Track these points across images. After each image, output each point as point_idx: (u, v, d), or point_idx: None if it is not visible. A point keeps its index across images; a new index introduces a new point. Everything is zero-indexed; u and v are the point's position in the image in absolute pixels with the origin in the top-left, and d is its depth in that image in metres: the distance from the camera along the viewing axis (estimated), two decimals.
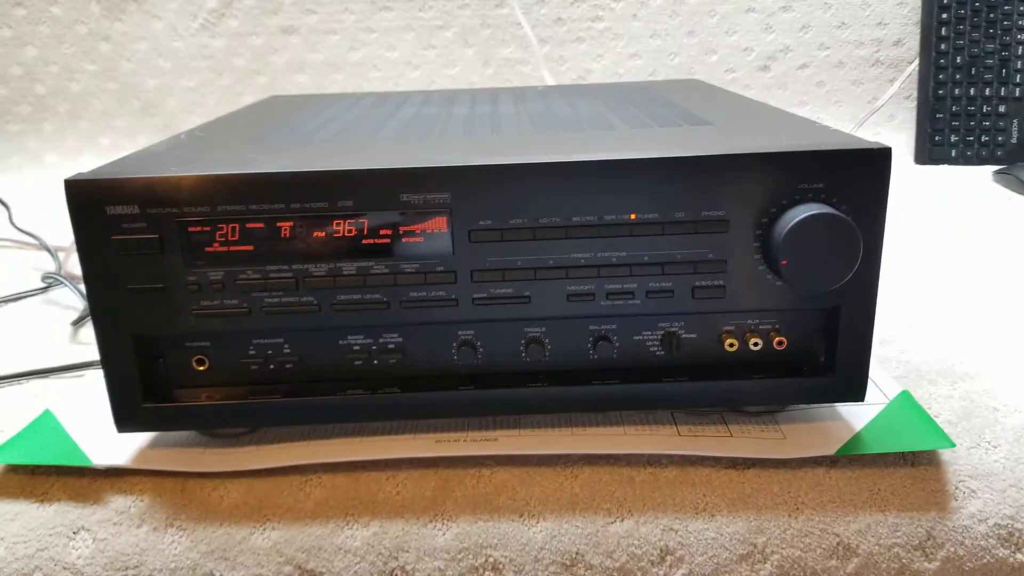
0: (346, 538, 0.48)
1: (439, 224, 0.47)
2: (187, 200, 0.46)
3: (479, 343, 0.51)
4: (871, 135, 0.48)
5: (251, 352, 0.50)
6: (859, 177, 0.46)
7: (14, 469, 0.52)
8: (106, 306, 0.48)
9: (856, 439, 0.51)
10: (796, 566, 0.47)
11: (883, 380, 0.57)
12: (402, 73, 1.27)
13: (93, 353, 0.51)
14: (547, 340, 0.51)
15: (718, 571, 0.47)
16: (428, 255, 0.48)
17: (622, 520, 0.48)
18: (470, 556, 0.48)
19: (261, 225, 0.47)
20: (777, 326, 0.50)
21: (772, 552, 0.47)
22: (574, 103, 0.72)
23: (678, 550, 0.47)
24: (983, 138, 1.21)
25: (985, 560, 0.47)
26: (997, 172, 1.13)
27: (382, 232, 0.47)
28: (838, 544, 0.47)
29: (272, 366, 0.51)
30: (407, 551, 0.48)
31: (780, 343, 0.50)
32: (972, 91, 1.20)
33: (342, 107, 0.76)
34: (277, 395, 0.51)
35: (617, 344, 0.51)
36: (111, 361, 0.49)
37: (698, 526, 0.48)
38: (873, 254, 0.47)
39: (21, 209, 1.04)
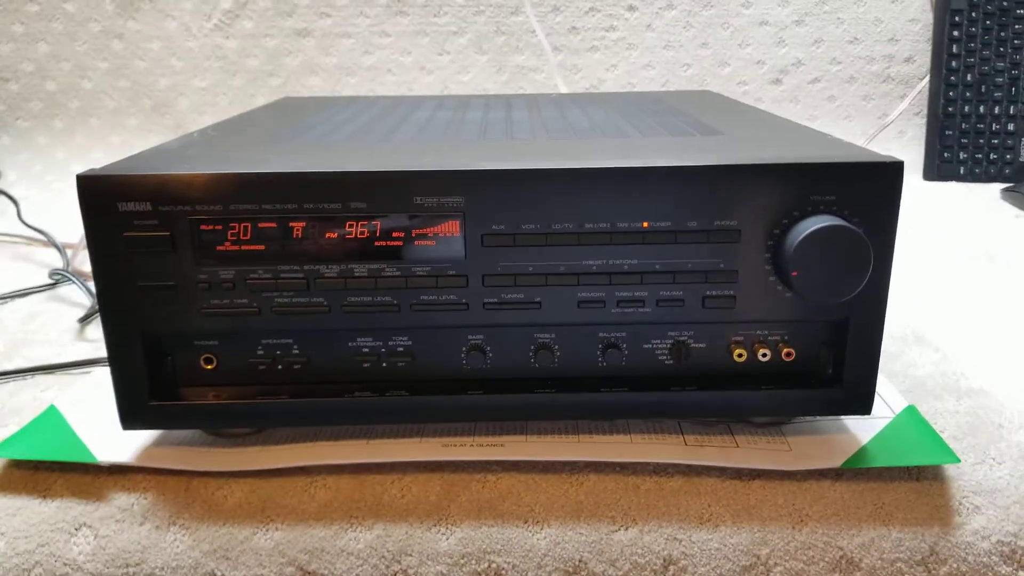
0: (349, 540, 0.48)
1: (452, 228, 0.47)
2: (199, 198, 0.46)
3: (488, 348, 0.51)
4: (881, 151, 0.48)
5: (260, 352, 0.50)
6: (871, 190, 0.46)
7: (17, 464, 0.52)
8: (115, 303, 0.48)
9: (861, 452, 0.51)
10: None
11: (889, 394, 0.57)
12: (416, 78, 1.27)
13: (100, 350, 0.51)
14: (556, 346, 0.51)
15: None
16: (440, 259, 0.48)
17: (626, 528, 0.48)
18: (473, 561, 0.47)
19: (273, 225, 0.47)
20: (786, 337, 0.50)
21: (775, 564, 0.47)
22: (587, 111, 0.72)
23: (681, 560, 0.47)
24: (992, 156, 1.21)
25: None
26: (1005, 190, 1.13)
27: (394, 234, 0.47)
28: (841, 557, 0.47)
29: (280, 367, 0.51)
30: (410, 555, 0.47)
31: (788, 354, 0.50)
32: (982, 109, 1.21)
33: (356, 110, 0.76)
34: (284, 396, 0.51)
35: (626, 352, 0.51)
36: (119, 358, 0.49)
37: (702, 536, 0.48)
38: (883, 267, 0.47)
39: (30, 205, 1.05)
